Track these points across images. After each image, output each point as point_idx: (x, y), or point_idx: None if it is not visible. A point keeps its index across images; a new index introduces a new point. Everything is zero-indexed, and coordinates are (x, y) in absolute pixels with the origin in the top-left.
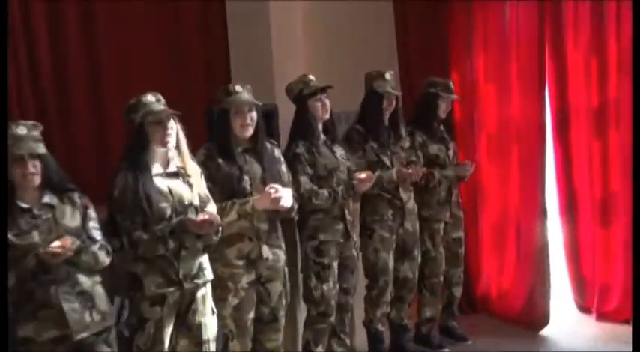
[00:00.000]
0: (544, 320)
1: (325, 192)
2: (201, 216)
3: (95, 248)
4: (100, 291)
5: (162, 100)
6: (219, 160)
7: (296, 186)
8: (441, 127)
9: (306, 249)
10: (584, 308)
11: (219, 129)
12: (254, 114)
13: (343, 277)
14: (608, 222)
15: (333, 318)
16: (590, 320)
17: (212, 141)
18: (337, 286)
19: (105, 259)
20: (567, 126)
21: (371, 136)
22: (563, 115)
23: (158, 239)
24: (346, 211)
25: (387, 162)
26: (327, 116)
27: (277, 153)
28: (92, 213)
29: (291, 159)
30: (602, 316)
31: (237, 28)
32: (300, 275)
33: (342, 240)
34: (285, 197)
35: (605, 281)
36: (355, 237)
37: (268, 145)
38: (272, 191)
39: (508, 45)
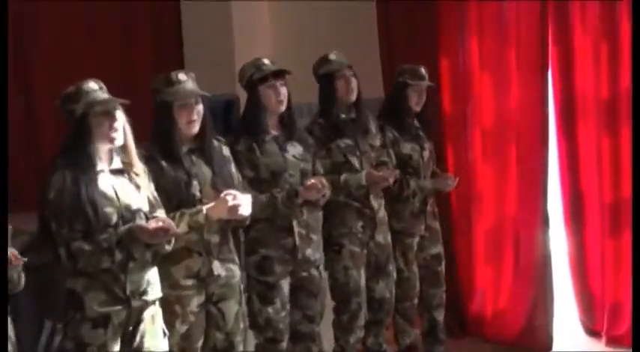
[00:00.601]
0: (546, 345)
1: (263, 198)
2: (153, 223)
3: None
4: None
5: (105, 88)
6: (163, 163)
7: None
8: (416, 123)
9: (248, 265)
10: (593, 331)
11: (161, 126)
12: (201, 108)
13: (304, 303)
14: (620, 232)
15: (284, 344)
16: (598, 345)
17: (152, 140)
18: (287, 308)
19: None
20: (573, 120)
21: (335, 130)
22: (568, 108)
23: (103, 250)
24: (294, 222)
25: (356, 163)
26: (283, 108)
27: (226, 151)
28: None
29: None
30: (612, 340)
31: (191, 6)
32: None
33: (288, 257)
34: (245, 204)
35: (616, 300)
36: (315, 253)
37: (216, 143)
38: (229, 198)
39: (506, 27)
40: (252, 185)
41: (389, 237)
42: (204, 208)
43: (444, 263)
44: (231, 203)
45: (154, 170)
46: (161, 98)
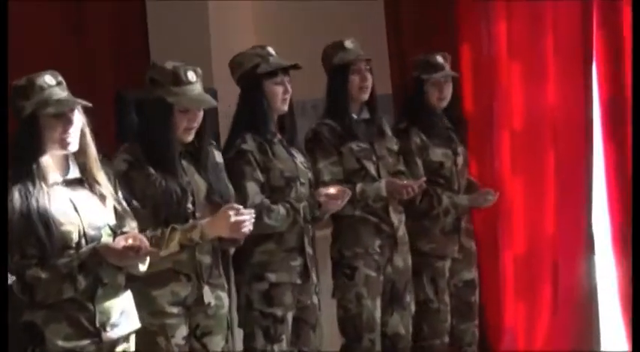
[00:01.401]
0: None
1: (282, 209)
2: (122, 241)
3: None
4: None
5: (64, 84)
6: (150, 170)
7: (240, 196)
8: (446, 123)
9: (250, 294)
10: None
11: (157, 129)
12: (202, 114)
13: (301, 336)
14: None
15: None
16: None
17: (138, 142)
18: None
19: None
20: (623, 122)
21: (346, 133)
22: (616, 107)
23: (63, 277)
24: (306, 240)
25: (372, 170)
26: (286, 107)
27: (219, 157)
28: None
29: (234, 159)
30: None
31: None
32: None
33: (299, 282)
34: (249, 221)
35: None
36: (314, 276)
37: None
38: (231, 212)
39: (542, 9)
40: (263, 191)
41: (409, 261)
42: (200, 224)
43: (477, 291)
44: (234, 219)
45: (139, 178)
46: (161, 96)
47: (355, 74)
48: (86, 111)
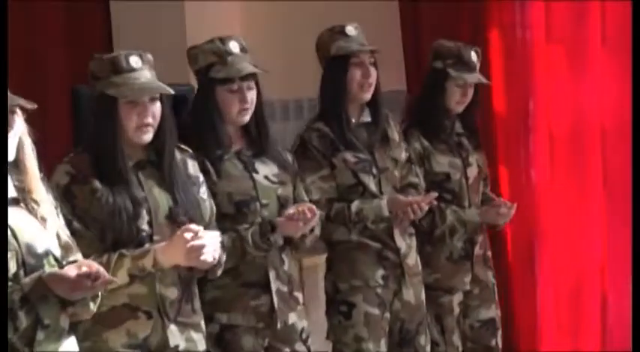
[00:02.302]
0: None
1: (226, 241)
2: (74, 269)
3: None
4: None
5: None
6: (96, 184)
7: None
8: (458, 127)
9: (208, 338)
10: None
11: (99, 131)
12: (158, 107)
13: None
14: None
15: None
16: None
17: (81, 151)
18: None
19: None
20: None
21: (340, 140)
22: None
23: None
24: (272, 274)
25: (372, 185)
26: (246, 118)
27: (193, 168)
28: None
29: None
30: None
31: None
32: None
33: (261, 325)
34: (210, 246)
35: None
36: (302, 321)
37: (178, 155)
38: (188, 235)
39: None
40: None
41: (423, 295)
42: (154, 249)
43: (500, 333)
44: (190, 244)
45: (83, 194)
46: (102, 89)
47: (356, 68)
48: (34, 123)
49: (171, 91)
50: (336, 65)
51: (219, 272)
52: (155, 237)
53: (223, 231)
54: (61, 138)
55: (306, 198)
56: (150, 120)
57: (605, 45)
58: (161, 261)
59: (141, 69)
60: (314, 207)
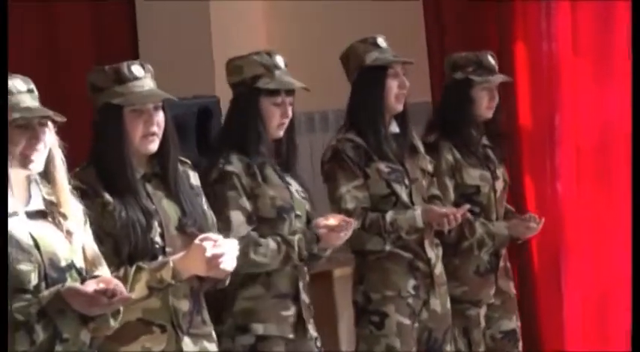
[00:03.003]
0: None
1: (272, 243)
2: (93, 285)
3: None
4: None
5: (36, 92)
6: (107, 196)
7: (222, 227)
8: (484, 139)
9: (232, 348)
10: None
11: (106, 142)
12: (162, 116)
13: None
14: None
15: None
16: None
17: (86, 165)
18: None
19: None
20: None
21: (374, 151)
22: None
23: (17, 326)
24: (301, 285)
25: (404, 195)
26: (281, 133)
27: (194, 179)
28: None
29: (216, 183)
30: None
31: None
32: None
33: (291, 336)
34: (229, 254)
35: None
36: (313, 330)
37: (179, 167)
38: (207, 244)
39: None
40: (249, 222)
41: (448, 304)
42: (172, 260)
43: (520, 344)
44: (210, 252)
45: (94, 209)
46: (106, 100)
47: (393, 79)
48: (60, 131)
49: (175, 99)
50: (372, 76)
51: (227, 282)
52: (168, 249)
53: (262, 235)
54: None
55: (349, 207)
56: (155, 129)
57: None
58: (180, 271)
59: (144, 77)
60: (346, 217)
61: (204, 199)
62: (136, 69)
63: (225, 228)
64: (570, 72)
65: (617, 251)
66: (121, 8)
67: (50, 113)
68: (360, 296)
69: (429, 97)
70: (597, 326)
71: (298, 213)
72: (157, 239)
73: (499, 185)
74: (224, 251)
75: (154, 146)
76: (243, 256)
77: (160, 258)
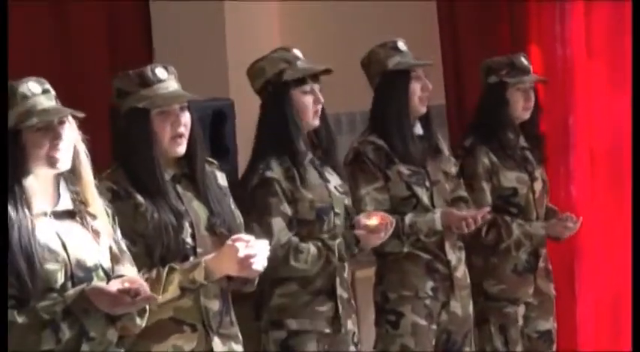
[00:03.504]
0: None
1: (312, 248)
2: (117, 284)
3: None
4: None
5: (52, 92)
6: (139, 198)
7: (264, 234)
8: (521, 140)
9: (266, 344)
10: None
11: (135, 144)
12: (188, 117)
13: None
14: None
15: None
16: None
17: (117, 168)
18: None
19: None
20: None
21: (397, 154)
22: None
23: (44, 324)
24: (338, 281)
25: (425, 198)
26: (317, 122)
27: (222, 180)
28: None
29: (257, 189)
30: None
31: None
32: None
33: (327, 331)
34: (261, 255)
35: None
36: (352, 325)
37: (207, 167)
38: (240, 245)
39: (627, 3)
40: (290, 226)
41: (470, 307)
42: (204, 261)
43: (555, 346)
44: (243, 253)
45: (126, 210)
46: (132, 104)
47: (416, 81)
48: (81, 126)
49: (200, 99)
50: (396, 79)
51: (256, 282)
52: (199, 250)
53: (301, 238)
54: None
55: (369, 208)
56: (183, 129)
57: None
58: (212, 271)
59: (168, 79)
60: (388, 215)
61: (231, 199)
62: (160, 71)
63: (266, 234)
64: (584, 75)
65: (630, 253)
66: (135, 10)
67: (68, 112)
68: (379, 295)
69: (443, 100)
70: (610, 327)
71: (337, 210)
72: (188, 239)
73: (538, 186)
74: (256, 251)
75: (182, 148)
76: (284, 263)
77: (192, 259)
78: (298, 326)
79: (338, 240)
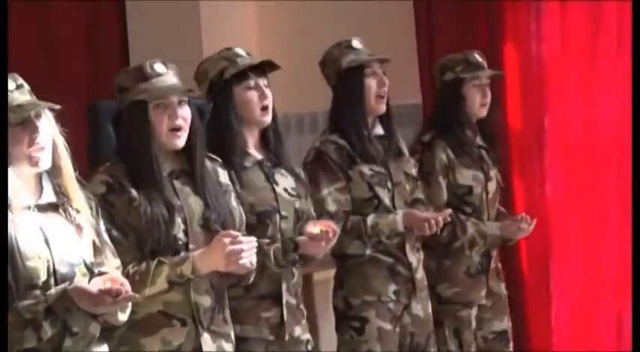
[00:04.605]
0: None
1: None
2: (99, 283)
3: None
4: None
5: (26, 87)
6: (133, 192)
7: None
8: (478, 140)
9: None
10: None
11: (132, 137)
12: (187, 111)
13: None
14: None
15: None
16: None
17: (117, 161)
18: None
19: None
20: None
21: (357, 153)
22: None
23: (26, 323)
24: (284, 286)
25: (386, 199)
26: (269, 118)
27: (224, 176)
28: None
29: None
30: None
31: None
32: None
33: (271, 338)
34: (249, 251)
35: None
36: (305, 333)
37: (209, 164)
38: (227, 240)
39: (602, 3)
40: None
41: (430, 308)
42: (192, 256)
43: (511, 345)
44: (230, 248)
45: (120, 203)
46: (130, 98)
47: (371, 78)
48: (61, 119)
49: (198, 92)
50: (350, 77)
51: (252, 278)
52: (191, 246)
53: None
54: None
55: (313, 214)
56: (181, 122)
57: (621, 58)
58: (200, 266)
59: (166, 73)
60: (334, 225)
61: (233, 196)
62: (158, 66)
63: None
64: (559, 73)
65: (605, 252)
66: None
67: (44, 105)
68: (340, 301)
69: (420, 99)
70: (585, 327)
71: (284, 213)
72: (180, 235)
73: (492, 186)
74: (243, 247)
75: (180, 141)
76: None
77: (182, 254)
78: (241, 332)
79: (275, 246)
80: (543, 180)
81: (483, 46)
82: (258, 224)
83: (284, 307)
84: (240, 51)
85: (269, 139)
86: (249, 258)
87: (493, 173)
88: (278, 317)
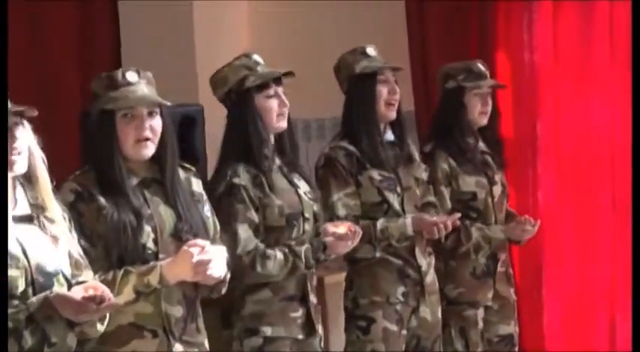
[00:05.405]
0: None
1: (279, 255)
2: (81, 291)
3: None
4: None
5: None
6: (101, 200)
7: (229, 241)
8: (481, 145)
9: (241, 350)
10: None
11: (99, 146)
12: (157, 122)
13: None
14: None
15: None
16: None
17: (88, 169)
18: None
19: None
20: None
21: (367, 159)
22: None
23: (7, 332)
24: (309, 287)
25: (396, 203)
26: (284, 124)
27: (196, 185)
28: None
29: (223, 196)
30: None
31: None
32: None
33: (300, 337)
34: (217, 261)
35: None
36: (320, 330)
37: (182, 173)
38: (194, 251)
39: (595, 8)
40: (256, 233)
41: (439, 313)
42: (159, 265)
43: (517, 349)
44: (197, 258)
45: (88, 212)
46: (99, 106)
47: (383, 85)
48: (40, 127)
49: (168, 103)
50: (362, 83)
51: (224, 290)
52: (161, 255)
53: (269, 244)
54: (72, 156)
55: (341, 214)
56: (148, 134)
57: (614, 65)
58: (167, 276)
59: (138, 83)
60: (353, 225)
61: (207, 207)
62: (130, 75)
63: (232, 241)
64: (551, 81)
65: (597, 258)
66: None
67: (21, 110)
68: (350, 301)
69: (412, 106)
70: (578, 334)
71: (307, 215)
72: (150, 244)
73: (497, 190)
74: (211, 257)
75: (147, 151)
76: (250, 270)
77: (150, 263)
78: (273, 332)
79: (305, 246)
80: (536, 187)
81: (475, 54)
82: (286, 226)
83: (311, 307)
84: (257, 58)
85: (284, 144)
86: (217, 268)
87: (498, 177)
88: (304, 317)
